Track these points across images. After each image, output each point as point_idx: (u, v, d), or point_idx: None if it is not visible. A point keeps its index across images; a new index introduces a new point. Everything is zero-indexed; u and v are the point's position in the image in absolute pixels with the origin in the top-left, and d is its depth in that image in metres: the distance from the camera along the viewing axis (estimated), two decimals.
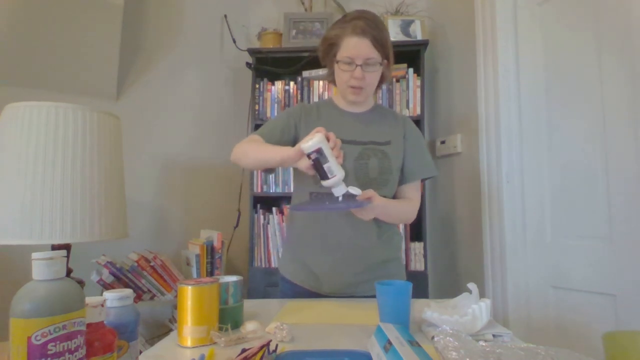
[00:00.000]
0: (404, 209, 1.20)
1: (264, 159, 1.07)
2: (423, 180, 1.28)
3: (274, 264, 2.07)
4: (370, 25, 1.09)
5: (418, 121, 2.01)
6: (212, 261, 2.00)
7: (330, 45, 1.15)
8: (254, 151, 1.10)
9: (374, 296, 1.15)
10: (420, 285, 1.86)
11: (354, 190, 0.96)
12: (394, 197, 1.23)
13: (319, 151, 0.91)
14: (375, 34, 1.09)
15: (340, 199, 0.97)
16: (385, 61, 1.15)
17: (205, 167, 2.34)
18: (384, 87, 2.08)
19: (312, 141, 0.90)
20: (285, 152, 0.98)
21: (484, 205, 1.78)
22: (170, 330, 1.86)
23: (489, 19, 1.78)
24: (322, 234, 1.16)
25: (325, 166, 0.92)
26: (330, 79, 1.23)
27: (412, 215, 1.22)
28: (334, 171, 0.93)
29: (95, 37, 1.96)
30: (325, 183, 0.95)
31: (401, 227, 1.98)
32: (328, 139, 0.94)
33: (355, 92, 1.14)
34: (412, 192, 1.22)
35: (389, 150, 1.18)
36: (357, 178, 1.14)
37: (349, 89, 1.14)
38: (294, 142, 1.18)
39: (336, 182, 0.94)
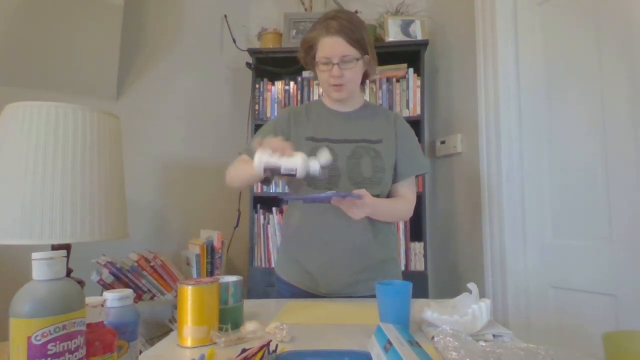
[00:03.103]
0: (397, 207, 1.20)
1: (245, 179, 1.14)
2: (418, 176, 1.28)
3: (274, 264, 2.07)
4: (343, 24, 1.10)
5: (418, 121, 2.01)
6: (212, 261, 2.00)
7: (309, 48, 1.17)
8: (236, 173, 1.18)
9: (371, 296, 1.15)
10: (420, 285, 1.86)
11: (323, 156, 0.97)
12: (389, 195, 1.23)
13: (269, 167, 0.95)
14: (348, 32, 1.10)
15: (319, 173, 0.98)
16: (367, 57, 1.15)
17: (205, 167, 2.34)
18: (384, 87, 2.08)
19: (256, 166, 0.95)
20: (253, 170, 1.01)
21: (484, 205, 1.78)
22: (170, 330, 1.86)
23: (489, 19, 1.78)
24: (318, 235, 1.16)
25: (282, 171, 0.94)
26: (317, 81, 1.24)
27: (407, 214, 1.23)
28: (292, 168, 0.94)
29: (95, 37, 1.96)
30: (298, 178, 0.97)
31: (401, 227, 1.99)
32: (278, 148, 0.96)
33: (337, 90, 1.16)
34: (405, 190, 1.23)
35: (380, 148, 1.19)
36: (351, 177, 1.14)
37: (331, 87, 1.16)
38: None
39: (301, 171, 0.94)
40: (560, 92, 1.60)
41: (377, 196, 1.15)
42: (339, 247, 1.15)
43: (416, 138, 1.28)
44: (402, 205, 1.21)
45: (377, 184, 1.16)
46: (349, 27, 1.11)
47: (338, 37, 1.10)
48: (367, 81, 1.27)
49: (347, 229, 1.14)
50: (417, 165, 1.24)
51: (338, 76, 1.13)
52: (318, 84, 2.15)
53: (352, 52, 1.11)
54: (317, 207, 1.16)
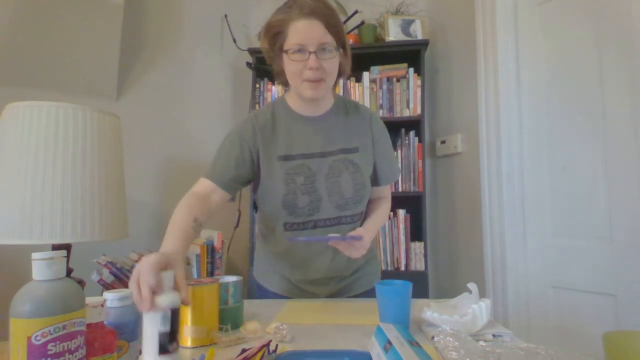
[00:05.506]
0: (384, 217, 1.14)
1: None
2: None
3: None
4: (319, 6, 0.91)
5: (418, 121, 2.01)
6: (212, 261, 2.00)
7: (276, 35, 0.94)
8: (170, 224, 0.87)
9: (355, 296, 1.15)
10: (420, 285, 1.86)
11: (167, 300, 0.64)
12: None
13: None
14: (327, 15, 0.91)
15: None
16: (342, 50, 0.97)
17: (205, 167, 2.32)
18: (384, 87, 2.08)
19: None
20: (163, 249, 0.77)
21: (484, 205, 1.78)
22: None
23: (489, 19, 1.78)
24: (304, 252, 1.09)
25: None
26: (281, 79, 1.02)
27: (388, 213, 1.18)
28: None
29: (95, 37, 1.96)
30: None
31: (401, 227, 1.99)
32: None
33: (314, 86, 0.94)
34: (386, 192, 1.18)
35: (358, 159, 1.06)
36: (332, 200, 1.02)
37: (305, 83, 0.94)
38: (252, 173, 1.05)
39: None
40: (561, 92, 1.60)
41: (360, 213, 1.09)
42: (325, 261, 1.10)
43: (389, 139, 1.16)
44: (385, 210, 1.15)
45: (359, 202, 1.05)
46: (328, 9, 0.92)
47: (315, 20, 0.89)
48: (340, 79, 1.10)
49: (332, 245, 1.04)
50: (396, 170, 1.18)
51: (316, 68, 0.91)
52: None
53: (330, 39, 0.92)
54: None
